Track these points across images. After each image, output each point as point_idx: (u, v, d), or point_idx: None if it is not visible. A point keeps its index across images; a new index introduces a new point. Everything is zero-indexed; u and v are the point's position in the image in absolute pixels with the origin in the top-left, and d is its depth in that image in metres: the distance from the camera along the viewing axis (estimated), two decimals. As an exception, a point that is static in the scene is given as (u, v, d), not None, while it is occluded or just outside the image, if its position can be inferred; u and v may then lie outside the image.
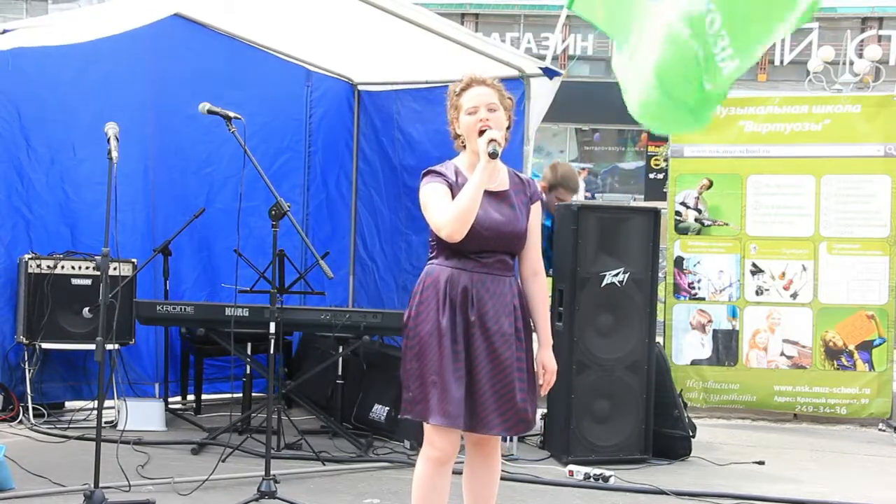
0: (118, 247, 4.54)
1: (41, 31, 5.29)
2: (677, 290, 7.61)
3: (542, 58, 6.41)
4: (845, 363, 7.44)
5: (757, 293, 7.54)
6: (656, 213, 6.18)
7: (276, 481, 4.75)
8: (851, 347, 7.43)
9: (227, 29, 6.89)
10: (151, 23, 5.37)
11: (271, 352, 4.91)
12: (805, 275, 7.49)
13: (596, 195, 29.29)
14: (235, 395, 6.37)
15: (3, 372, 6.35)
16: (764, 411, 7.61)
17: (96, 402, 4.65)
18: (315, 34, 6.65)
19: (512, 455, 5.86)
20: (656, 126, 5.37)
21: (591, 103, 28.34)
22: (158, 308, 6.06)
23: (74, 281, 6.39)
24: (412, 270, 7.15)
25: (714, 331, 7.56)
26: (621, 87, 5.17)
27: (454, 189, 3.61)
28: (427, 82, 6.89)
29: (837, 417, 7.48)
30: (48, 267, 6.31)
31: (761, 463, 6.14)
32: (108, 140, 4.51)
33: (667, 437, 6.11)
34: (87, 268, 6.39)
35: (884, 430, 7.29)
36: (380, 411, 6.25)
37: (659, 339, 6.57)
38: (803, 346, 7.48)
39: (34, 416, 6.26)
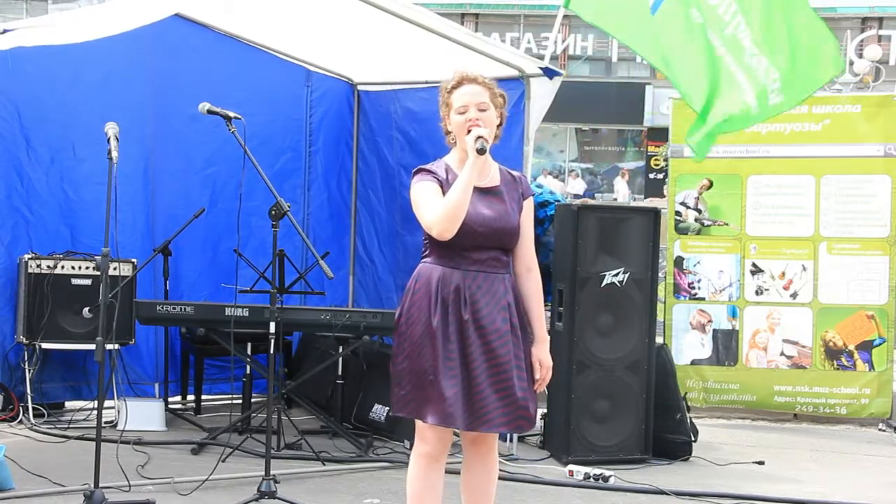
0: (118, 247, 4.54)
1: (41, 31, 5.29)
2: (677, 290, 7.61)
3: (542, 58, 6.41)
4: (845, 363, 7.44)
5: (757, 293, 7.54)
6: (656, 213, 6.18)
7: (276, 481, 4.75)
8: (851, 347, 7.43)
9: (227, 29, 6.89)
10: (152, 23, 5.37)
11: (271, 352, 4.91)
12: (805, 275, 7.49)
13: (596, 195, 29.30)
14: (235, 396, 6.36)
15: (3, 372, 6.35)
16: (764, 411, 7.61)
17: (96, 402, 4.65)
18: (315, 34, 6.65)
19: (512, 455, 5.87)
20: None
21: (591, 103, 28.36)
22: (158, 308, 6.06)
23: (74, 281, 6.39)
24: (410, 271, 7.12)
25: (714, 331, 7.56)
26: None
27: (445, 187, 3.60)
28: (427, 82, 6.89)
29: (837, 417, 7.48)
30: (48, 267, 6.31)
31: (761, 463, 6.14)
32: (108, 140, 4.52)
33: (667, 442, 6.11)
34: (87, 268, 6.39)
35: (884, 430, 7.28)
36: (380, 411, 6.25)
37: (659, 339, 6.57)
38: (803, 346, 7.48)
39: (34, 416, 6.26)
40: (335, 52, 7.03)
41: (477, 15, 29.91)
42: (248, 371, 6.40)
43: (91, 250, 6.35)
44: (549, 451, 6.10)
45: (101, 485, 4.45)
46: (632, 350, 5.98)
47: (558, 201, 6.87)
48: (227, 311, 5.78)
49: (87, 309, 6.35)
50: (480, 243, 3.61)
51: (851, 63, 17.66)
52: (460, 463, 3.86)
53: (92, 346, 4.55)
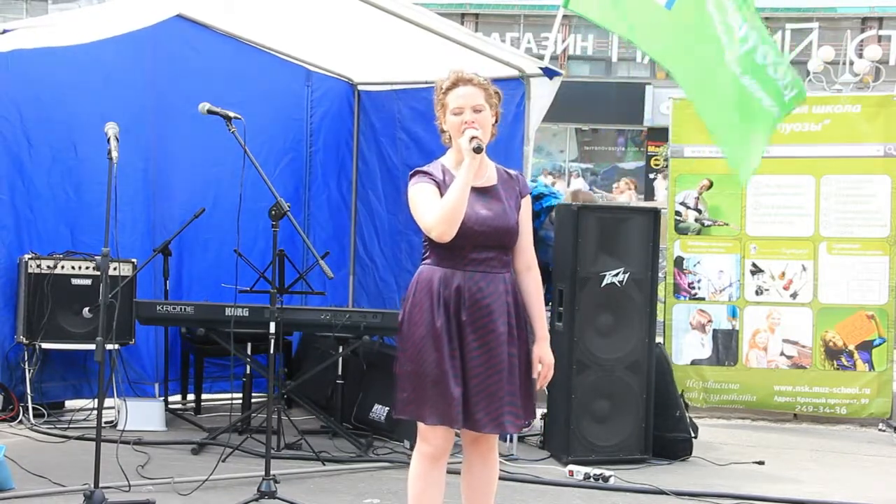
0: (118, 247, 4.54)
1: (42, 32, 5.29)
2: (677, 290, 7.61)
3: (542, 58, 6.41)
4: (845, 363, 7.44)
5: (757, 293, 7.54)
6: (656, 213, 6.18)
7: (276, 481, 4.75)
8: (851, 347, 7.43)
9: (227, 29, 6.89)
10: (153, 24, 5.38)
11: (271, 352, 4.91)
12: (805, 275, 7.49)
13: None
14: (235, 395, 6.36)
15: (3, 372, 6.35)
16: (764, 411, 7.61)
17: (96, 401, 4.65)
18: (315, 34, 6.65)
19: (512, 455, 5.87)
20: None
21: (591, 103, 28.35)
22: (158, 308, 6.06)
23: (74, 281, 6.39)
24: (413, 270, 7.12)
25: (714, 331, 7.56)
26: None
27: (442, 188, 3.61)
28: (427, 82, 6.87)
29: (837, 417, 7.48)
30: (48, 267, 6.31)
31: (761, 463, 6.15)
32: (108, 140, 4.52)
33: (668, 441, 6.11)
34: (87, 268, 6.39)
35: (884, 430, 7.28)
36: (380, 411, 6.25)
37: (659, 339, 6.57)
38: (803, 346, 7.48)
39: (34, 416, 6.26)
40: (335, 52, 7.03)
41: (477, 15, 29.88)
42: (248, 371, 6.40)
43: (91, 250, 6.35)
44: (549, 451, 6.10)
45: (101, 485, 4.45)
46: (632, 350, 5.98)
47: (553, 194, 6.87)
48: (227, 311, 5.78)
49: (87, 309, 6.35)
50: (480, 243, 3.61)
51: (851, 63, 17.64)
52: (461, 463, 3.86)
53: (92, 346, 4.55)
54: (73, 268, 6.40)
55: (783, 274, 7.52)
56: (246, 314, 5.81)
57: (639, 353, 5.99)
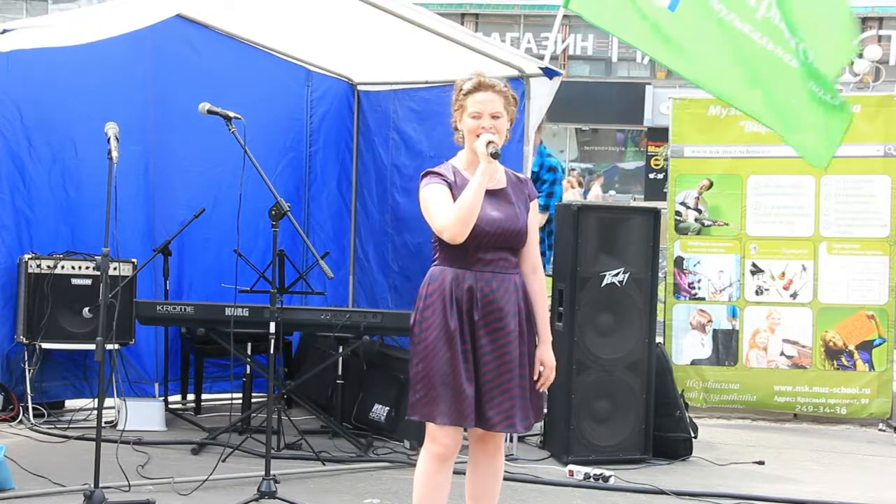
0: (118, 247, 4.54)
1: (43, 32, 5.29)
2: (677, 290, 7.60)
3: (542, 58, 6.41)
4: (845, 363, 7.44)
5: (757, 293, 7.53)
6: (656, 213, 6.18)
7: (276, 481, 4.75)
8: (851, 347, 7.42)
9: (227, 29, 6.89)
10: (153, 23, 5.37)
11: (271, 352, 4.91)
12: (805, 275, 7.48)
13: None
14: (235, 395, 6.36)
15: (3, 372, 6.35)
16: (764, 411, 7.60)
17: (96, 401, 4.65)
18: (315, 34, 6.65)
19: (512, 455, 5.86)
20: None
21: (591, 103, 28.35)
22: (158, 308, 6.06)
23: (74, 281, 6.39)
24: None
25: (714, 331, 7.56)
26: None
27: (454, 189, 3.63)
28: (427, 82, 6.89)
29: (837, 417, 7.48)
30: (48, 267, 6.31)
31: (761, 463, 6.15)
32: (108, 140, 4.52)
33: (668, 441, 6.11)
34: (87, 268, 6.39)
35: (884, 430, 7.29)
36: (380, 411, 6.25)
37: (659, 339, 6.57)
38: (803, 346, 7.48)
39: (34, 416, 6.25)
40: (335, 52, 7.03)
41: (477, 15, 29.89)
42: (248, 371, 6.40)
43: (91, 250, 6.34)
44: (549, 451, 6.10)
45: (101, 485, 4.46)
46: (632, 350, 5.98)
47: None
48: (227, 311, 5.78)
49: (87, 309, 6.35)
50: (490, 244, 3.65)
51: (852, 63, 17.65)
52: (464, 463, 3.86)
53: (92, 346, 4.55)
54: (73, 268, 6.39)
55: (783, 274, 7.52)
56: (246, 314, 5.81)
57: (639, 353, 5.99)
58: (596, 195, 25.06)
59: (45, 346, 6.27)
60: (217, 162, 6.79)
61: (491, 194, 3.67)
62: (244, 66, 7.02)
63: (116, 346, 6.07)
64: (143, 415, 6.18)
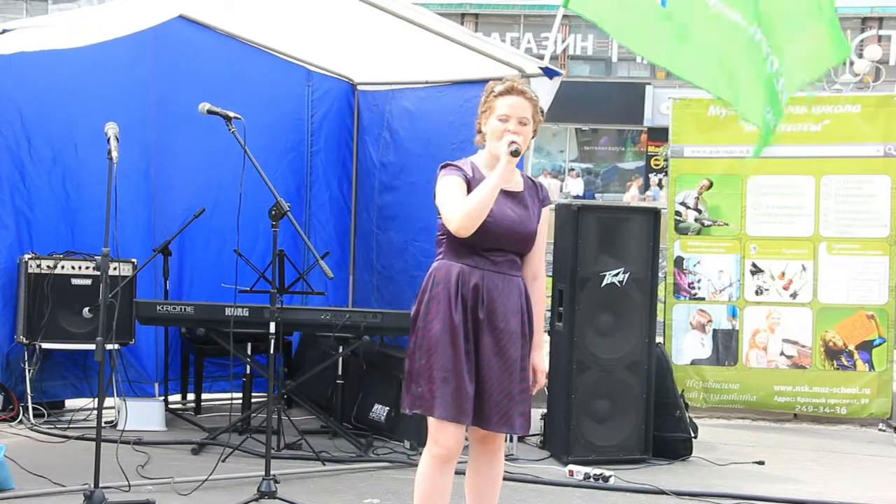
0: (118, 247, 4.54)
1: (43, 33, 5.29)
2: (677, 290, 7.60)
3: (542, 58, 6.41)
4: (845, 363, 7.44)
5: (757, 293, 7.54)
6: (656, 213, 6.18)
7: (276, 481, 4.75)
8: (851, 347, 7.43)
9: (227, 29, 6.89)
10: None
11: (271, 352, 4.91)
12: (805, 275, 7.49)
13: (596, 195, 29.31)
14: (235, 395, 6.36)
15: (3, 372, 6.35)
16: (764, 411, 7.61)
17: (96, 401, 4.65)
18: (315, 34, 6.65)
19: (512, 455, 5.87)
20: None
21: (591, 103, 28.37)
22: (158, 308, 6.06)
23: (74, 281, 6.39)
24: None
25: (714, 331, 7.56)
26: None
27: (472, 183, 3.64)
28: (427, 82, 6.89)
29: (837, 417, 7.48)
30: (48, 267, 6.31)
31: (761, 463, 6.15)
32: (109, 140, 4.52)
33: (668, 441, 6.11)
34: (87, 268, 6.39)
35: (884, 430, 7.29)
36: (380, 411, 6.25)
37: (659, 339, 6.57)
38: (803, 346, 7.48)
39: (34, 416, 6.26)
40: (335, 52, 7.03)
41: (477, 15, 29.91)
42: (248, 371, 6.40)
43: (91, 250, 6.35)
44: (549, 451, 6.10)
45: (101, 485, 4.46)
46: (632, 350, 5.98)
47: None
48: (227, 311, 5.78)
49: (87, 309, 6.35)
50: (498, 245, 3.66)
51: (851, 63, 17.66)
52: (465, 463, 3.86)
53: (92, 346, 4.55)
54: (73, 268, 6.40)
55: (783, 274, 7.52)
56: (246, 314, 5.81)
57: (639, 353, 6.00)
58: (632, 196, 25.17)
59: (45, 346, 6.27)
60: (217, 162, 6.79)
61: (508, 195, 3.68)
62: (245, 67, 7.02)
63: (116, 346, 6.07)
64: (143, 415, 6.18)
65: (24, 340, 6.27)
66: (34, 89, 6.40)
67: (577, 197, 26.35)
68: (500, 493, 3.92)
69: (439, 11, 8.27)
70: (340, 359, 6.27)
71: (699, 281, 7.58)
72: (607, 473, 5.49)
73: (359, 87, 7.55)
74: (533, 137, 3.81)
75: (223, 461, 5.26)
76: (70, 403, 6.68)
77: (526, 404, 3.67)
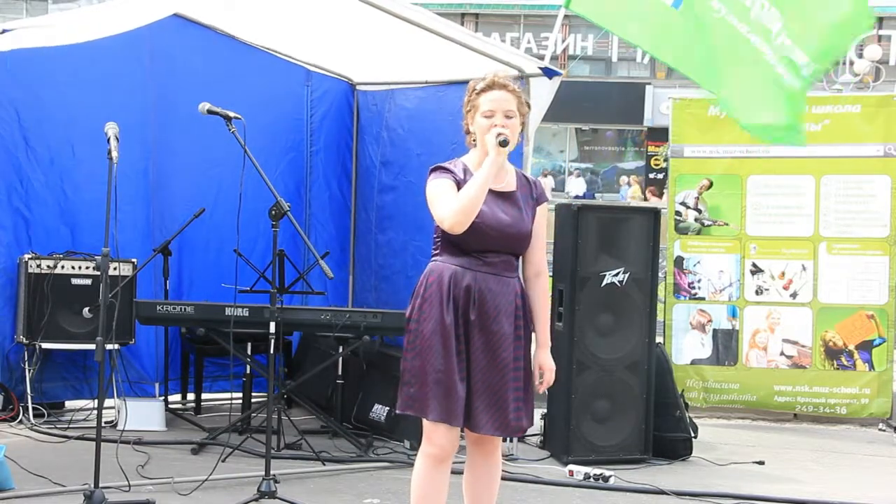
0: (118, 247, 4.54)
1: (41, 32, 5.29)
2: (677, 289, 7.61)
3: (542, 58, 6.41)
4: (845, 363, 7.44)
5: (757, 293, 7.54)
6: (656, 213, 6.18)
7: (276, 481, 4.75)
8: (851, 347, 7.43)
9: (226, 29, 6.89)
10: (151, 23, 5.36)
11: (271, 352, 4.91)
12: (805, 274, 7.49)
13: (596, 195, 29.31)
14: (235, 395, 6.36)
15: (3, 372, 6.35)
16: (764, 411, 7.61)
17: (96, 401, 4.65)
18: (315, 34, 6.65)
19: (512, 455, 5.87)
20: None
21: (591, 103, 28.38)
22: (158, 308, 6.06)
23: (74, 281, 6.39)
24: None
25: (714, 330, 7.56)
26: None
27: (461, 185, 3.61)
28: (427, 82, 6.89)
29: (837, 417, 7.48)
30: (48, 267, 6.31)
31: (761, 463, 6.15)
32: (108, 140, 4.52)
33: (668, 441, 6.11)
34: (87, 268, 6.39)
35: (884, 430, 7.29)
36: (380, 411, 6.25)
37: (659, 339, 6.57)
38: (803, 346, 7.48)
39: (34, 415, 6.25)
40: (335, 52, 7.03)
41: (477, 15, 29.91)
42: (248, 371, 6.40)
43: (91, 250, 6.34)
44: (549, 451, 6.10)
45: (101, 485, 4.45)
46: (632, 350, 5.98)
47: None
48: (227, 311, 5.78)
49: (87, 309, 6.35)
50: (492, 247, 3.63)
51: (851, 63, 17.68)
52: (462, 463, 3.86)
53: (92, 346, 4.55)
54: (73, 268, 6.39)
55: (783, 274, 7.52)
56: (246, 314, 5.81)
57: (639, 353, 6.00)
58: (633, 196, 25.13)
59: (45, 346, 6.27)
60: (217, 162, 6.79)
61: (498, 196, 3.65)
62: (244, 67, 7.02)
63: (116, 346, 6.07)
64: (143, 415, 6.17)
65: (24, 340, 6.27)
66: (31, 89, 6.39)
67: (577, 197, 26.37)
68: (501, 493, 3.92)
69: (439, 11, 8.27)
70: (340, 359, 6.27)
71: (699, 281, 7.58)
72: (607, 473, 5.49)
73: (358, 87, 7.55)
74: (522, 130, 3.76)
75: (223, 461, 5.26)
76: (70, 404, 6.68)
77: (521, 405, 3.64)
